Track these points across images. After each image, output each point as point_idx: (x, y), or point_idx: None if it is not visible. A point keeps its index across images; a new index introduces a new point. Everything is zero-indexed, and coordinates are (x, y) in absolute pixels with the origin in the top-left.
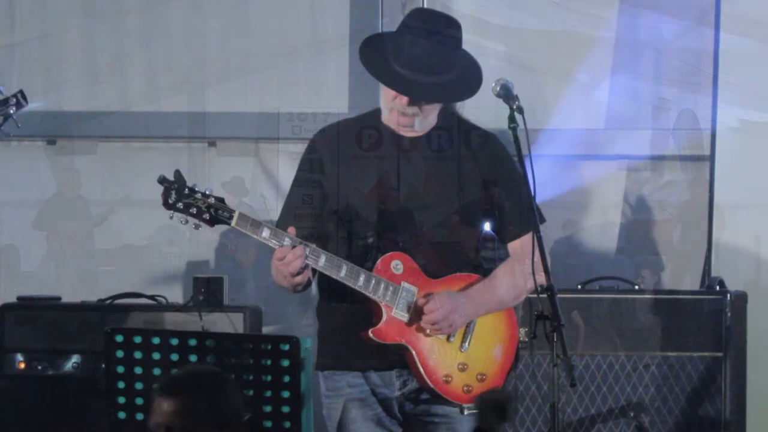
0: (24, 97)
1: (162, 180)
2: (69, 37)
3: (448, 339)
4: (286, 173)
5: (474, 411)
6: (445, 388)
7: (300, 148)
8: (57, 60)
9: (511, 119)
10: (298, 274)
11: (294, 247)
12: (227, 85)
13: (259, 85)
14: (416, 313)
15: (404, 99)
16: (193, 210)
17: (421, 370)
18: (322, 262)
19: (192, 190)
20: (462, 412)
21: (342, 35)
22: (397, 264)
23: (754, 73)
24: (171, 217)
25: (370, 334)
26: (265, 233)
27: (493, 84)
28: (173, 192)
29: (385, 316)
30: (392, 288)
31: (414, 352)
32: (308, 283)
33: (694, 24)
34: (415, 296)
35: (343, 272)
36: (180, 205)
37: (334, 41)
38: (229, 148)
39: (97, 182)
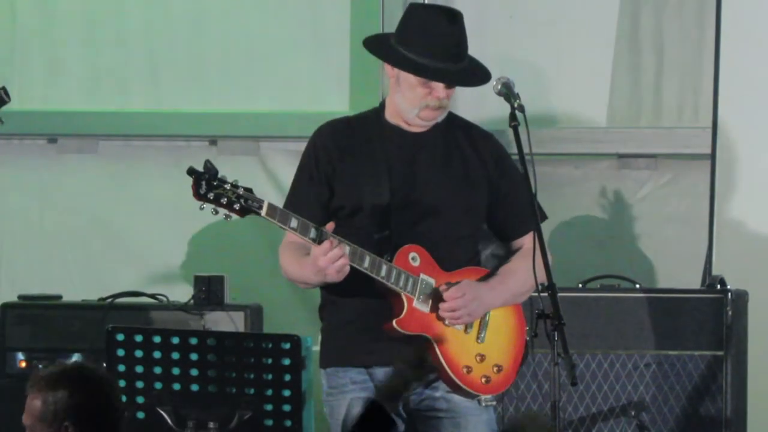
0: (6, 93)
1: (191, 171)
2: (70, 35)
3: (465, 330)
4: (287, 172)
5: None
6: (465, 378)
7: (301, 146)
8: (58, 58)
9: (513, 117)
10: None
11: (322, 238)
12: (228, 84)
13: (259, 84)
14: (435, 303)
15: (441, 91)
16: (224, 200)
17: (442, 360)
18: (346, 252)
19: (222, 181)
20: (480, 403)
21: (343, 33)
22: (414, 256)
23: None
24: (201, 208)
25: (395, 325)
26: (294, 223)
27: (494, 82)
28: (203, 183)
29: (406, 307)
30: (412, 279)
31: (435, 343)
32: None
33: (694, 23)
34: (433, 288)
35: (366, 263)
36: (211, 195)
37: (334, 39)
38: (230, 146)
39: (97, 181)
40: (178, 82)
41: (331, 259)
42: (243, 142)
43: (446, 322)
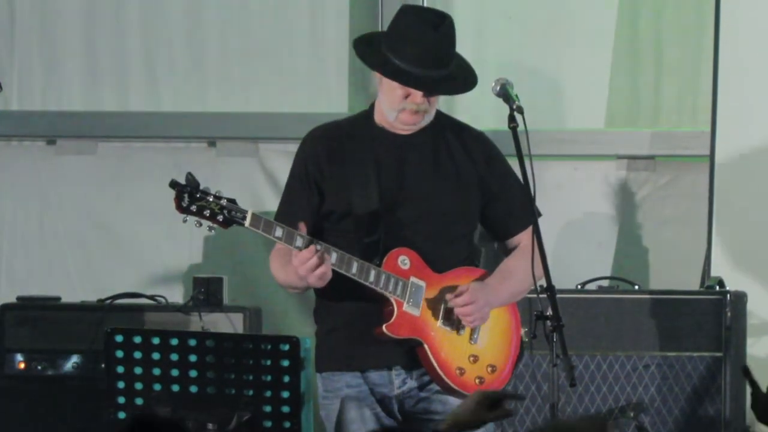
0: None
1: (174, 184)
2: (69, 37)
3: (458, 332)
4: (286, 173)
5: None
6: (459, 380)
7: None
8: (57, 60)
9: (511, 119)
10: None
11: (308, 246)
12: (227, 85)
13: (258, 85)
14: (427, 307)
15: (418, 96)
16: (207, 212)
17: (434, 363)
18: (333, 259)
19: (204, 193)
20: None
21: (342, 34)
22: (404, 259)
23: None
24: (185, 221)
25: (384, 330)
26: (278, 233)
27: (493, 84)
28: (186, 195)
29: (396, 312)
30: (401, 283)
31: (426, 346)
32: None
33: (694, 23)
34: (424, 290)
35: (354, 269)
36: (193, 208)
37: (333, 40)
38: (230, 148)
39: (96, 182)
40: (176, 83)
41: (310, 268)
42: (242, 144)
43: (440, 324)
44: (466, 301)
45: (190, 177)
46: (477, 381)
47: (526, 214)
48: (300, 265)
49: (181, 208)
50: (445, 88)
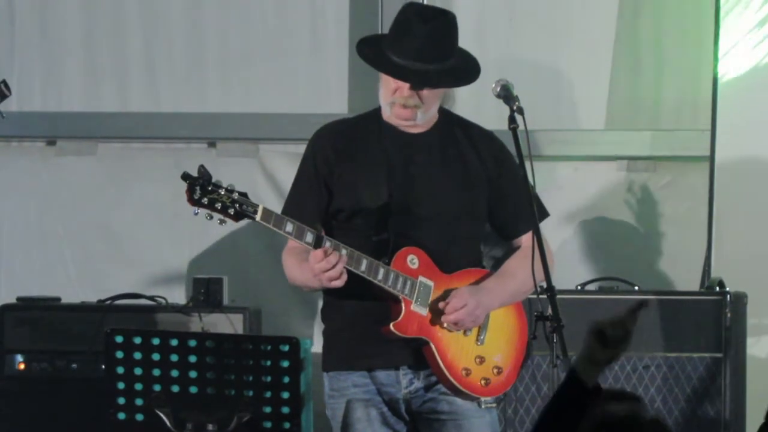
0: (7, 87)
1: (186, 176)
2: (69, 37)
3: (464, 333)
4: (287, 174)
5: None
6: (464, 381)
7: (300, 149)
8: (57, 60)
9: (512, 120)
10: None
11: (318, 242)
12: (227, 86)
13: (259, 86)
14: (434, 306)
15: (405, 89)
16: (218, 205)
17: (441, 363)
18: (343, 256)
19: (216, 186)
20: (480, 405)
21: (342, 35)
22: (412, 258)
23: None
24: (196, 213)
25: (392, 328)
26: (289, 228)
27: (493, 84)
28: (198, 188)
29: (404, 311)
30: (410, 282)
31: (433, 346)
32: None
33: (694, 23)
34: (432, 290)
35: (363, 266)
36: (205, 200)
37: (334, 41)
38: (230, 149)
39: (96, 183)
40: (176, 84)
41: (324, 267)
42: (242, 144)
43: (445, 325)
44: (455, 306)
45: (202, 169)
46: (483, 382)
47: (531, 216)
48: (315, 262)
49: (192, 201)
50: (432, 81)
